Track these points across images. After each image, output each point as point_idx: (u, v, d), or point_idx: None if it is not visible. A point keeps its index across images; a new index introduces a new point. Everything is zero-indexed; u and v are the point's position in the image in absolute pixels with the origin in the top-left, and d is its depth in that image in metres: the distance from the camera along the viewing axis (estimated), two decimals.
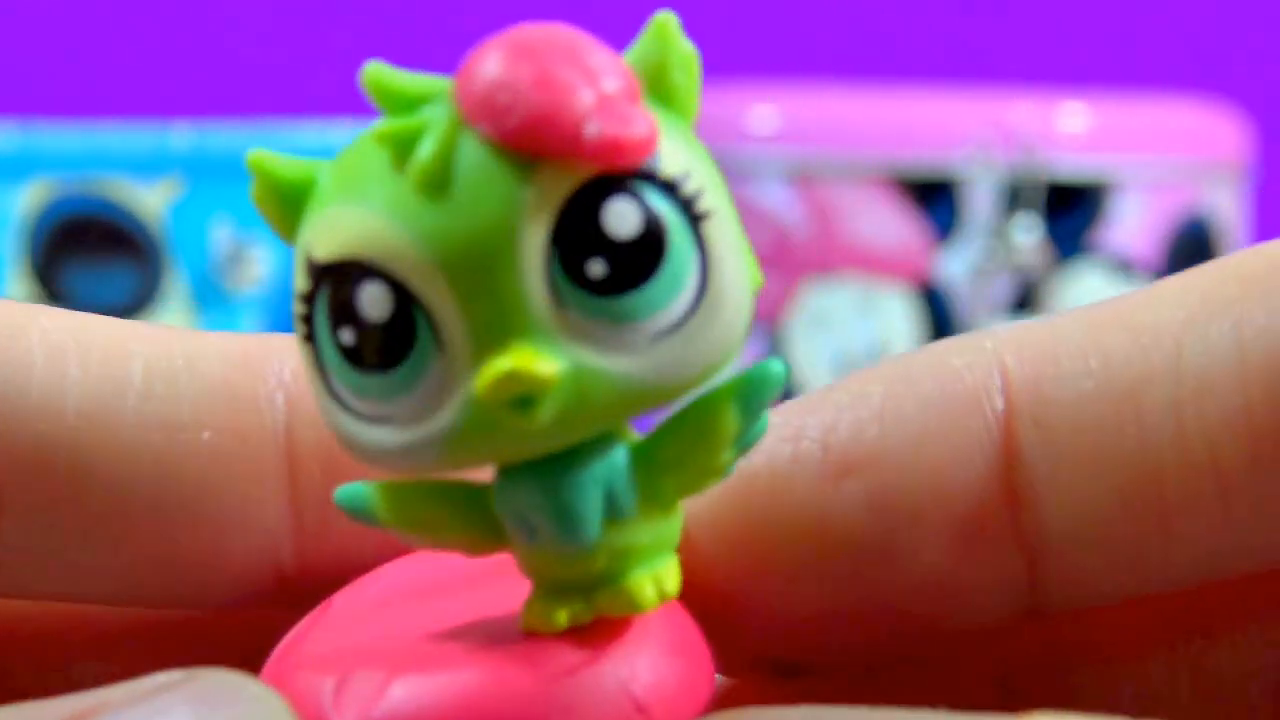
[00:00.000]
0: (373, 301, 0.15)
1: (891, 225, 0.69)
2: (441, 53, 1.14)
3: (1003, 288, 0.69)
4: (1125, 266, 0.71)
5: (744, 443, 0.17)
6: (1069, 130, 0.70)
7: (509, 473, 0.16)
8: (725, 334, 0.16)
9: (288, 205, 0.17)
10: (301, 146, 0.57)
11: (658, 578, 0.17)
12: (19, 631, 0.21)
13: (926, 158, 0.69)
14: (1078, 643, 0.21)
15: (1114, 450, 0.19)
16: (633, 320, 0.15)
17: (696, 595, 0.18)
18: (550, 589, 0.16)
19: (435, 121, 0.15)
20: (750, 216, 0.70)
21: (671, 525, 0.17)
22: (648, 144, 0.15)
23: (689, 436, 0.17)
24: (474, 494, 0.16)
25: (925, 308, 0.69)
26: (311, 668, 0.17)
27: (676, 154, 0.16)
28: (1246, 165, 0.74)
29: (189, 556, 0.20)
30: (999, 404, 0.19)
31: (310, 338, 0.16)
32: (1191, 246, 0.72)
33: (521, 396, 0.15)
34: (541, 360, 0.15)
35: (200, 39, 1.13)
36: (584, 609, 0.16)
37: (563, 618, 0.16)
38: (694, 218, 0.16)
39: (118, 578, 0.20)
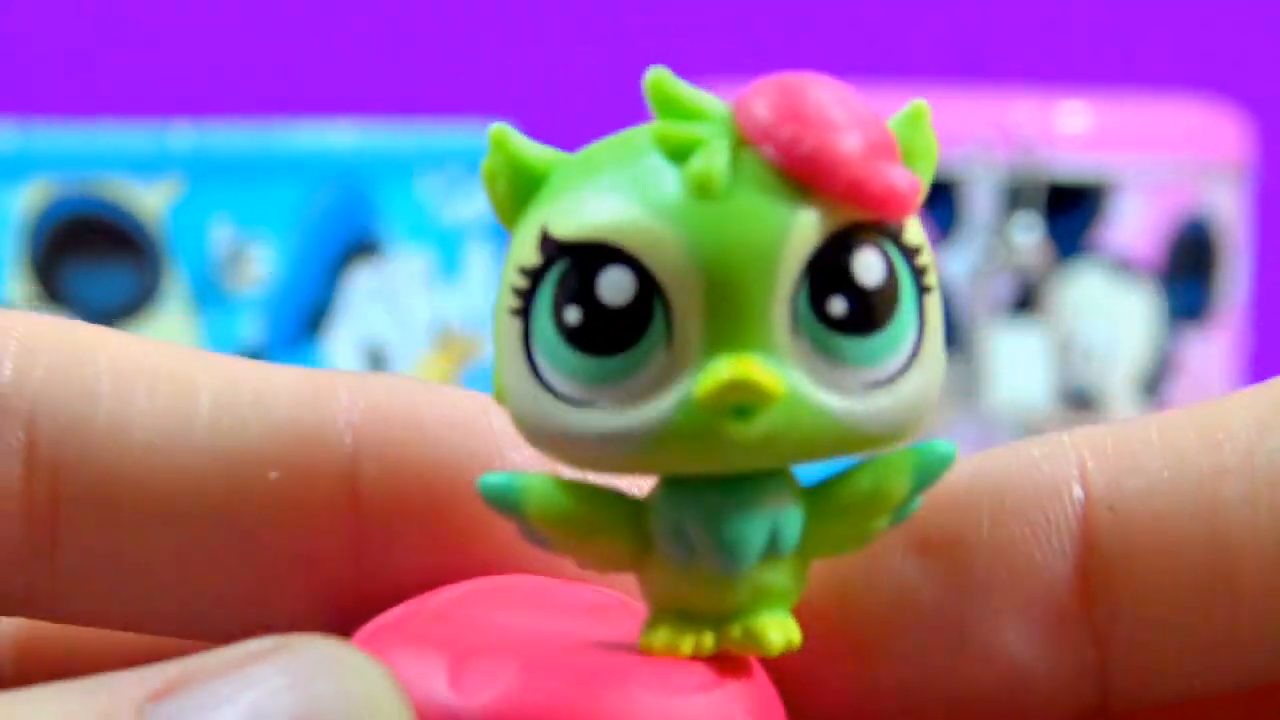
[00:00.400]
0: (615, 286, 0.16)
1: None
2: (440, 54, 1.14)
3: (1003, 287, 0.69)
4: (1125, 266, 0.71)
5: (902, 514, 0.18)
6: (1069, 130, 0.70)
7: (681, 488, 0.16)
8: (924, 401, 0.17)
9: (520, 185, 0.17)
10: (301, 147, 0.57)
11: (785, 625, 0.17)
12: (83, 653, 0.22)
13: None
14: None
15: (1189, 539, 0.19)
16: (854, 364, 0.16)
17: (776, 661, 0.18)
18: (677, 616, 0.17)
19: (718, 135, 0.16)
20: None
21: (804, 577, 0.17)
22: (913, 202, 0.16)
23: (861, 494, 0.17)
24: (629, 504, 0.17)
25: None
26: (411, 647, 0.16)
27: (916, 226, 0.17)
28: (1247, 165, 0.73)
29: (248, 593, 0.20)
30: (1077, 492, 0.19)
31: (523, 312, 0.16)
32: (1192, 246, 0.72)
33: (741, 405, 0.16)
34: (767, 375, 0.16)
35: (200, 41, 1.13)
36: (710, 640, 0.17)
37: (689, 644, 0.17)
38: (922, 287, 0.17)
39: (178, 610, 0.20)
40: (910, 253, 0.17)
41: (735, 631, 0.17)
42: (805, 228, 0.16)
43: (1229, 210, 0.73)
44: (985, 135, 0.69)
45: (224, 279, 0.56)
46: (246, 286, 0.56)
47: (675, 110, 0.17)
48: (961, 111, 0.69)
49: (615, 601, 0.18)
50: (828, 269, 0.16)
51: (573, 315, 0.16)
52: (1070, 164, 0.70)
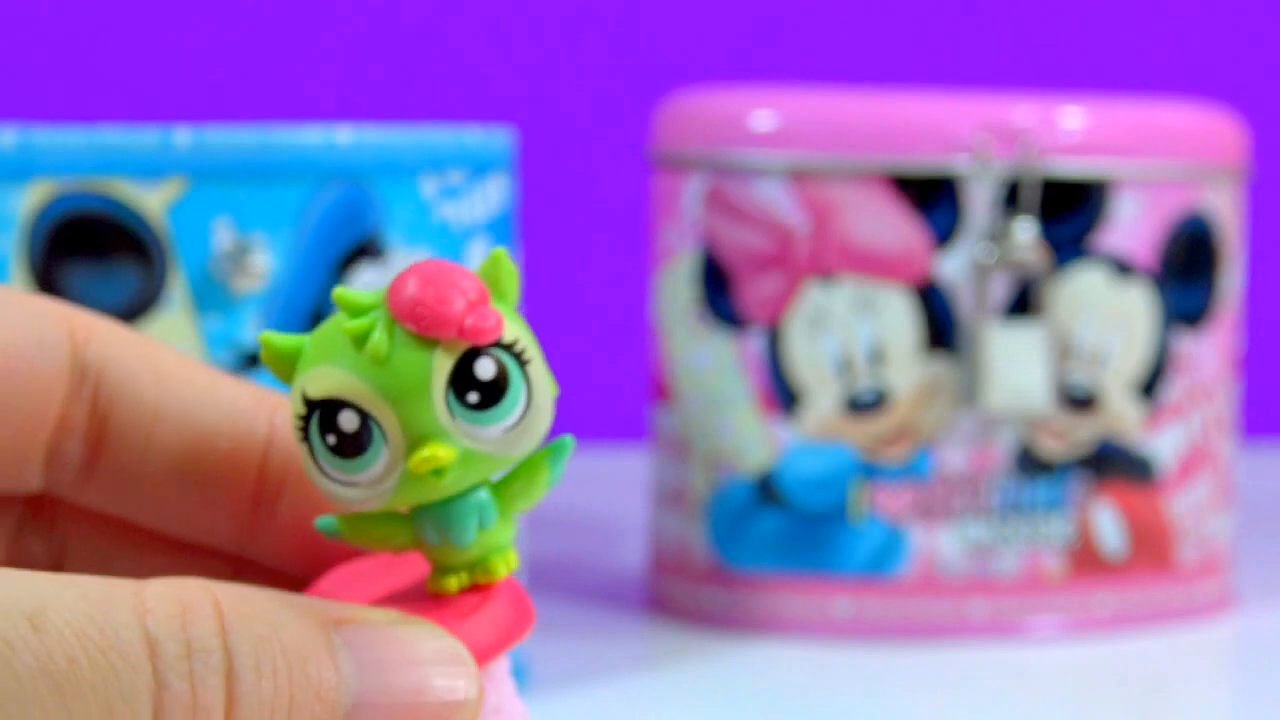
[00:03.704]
0: (348, 420, 0.28)
1: (891, 226, 0.69)
2: (439, 55, 1.15)
3: (1002, 288, 0.70)
4: (1124, 267, 0.71)
5: (552, 481, 0.29)
6: (1068, 132, 0.70)
7: (425, 507, 0.29)
8: (540, 426, 0.28)
9: (285, 363, 0.29)
10: (303, 148, 0.57)
11: (506, 560, 0.30)
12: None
13: (927, 158, 0.69)
14: None
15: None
16: (494, 423, 0.28)
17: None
18: (444, 570, 0.30)
19: (378, 322, 0.27)
20: (750, 216, 0.70)
21: (510, 530, 0.29)
22: (497, 330, 0.28)
23: (524, 481, 0.29)
24: (401, 519, 0.29)
25: (925, 308, 0.69)
26: (325, 592, 0.31)
27: (511, 328, 0.28)
28: (1244, 168, 0.74)
29: (202, 513, 0.32)
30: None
31: (306, 439, 0.28)
32: (1190, 248, 0.72)
33: (434, 467, 0.28)
34: (444, 450, 0.28)
35: (202, 44, 1.13)
36: (466, 579, 0.30)
37: (453, 584, 0.30)
38: (522, 363, 0.28)
39: (169, 518, 0.32)
40: (508, 347, 0.28)
41: (478, 572, 0.29)
42: (440, 361, 0.27)
43: (1226, 212, 0.73)
44: (985, 136, 0.69)
45: (226, 280, 0.56)
46: (248, 287, 0.56)
47: (351, 308, 0.28)
48: (961, 112, 0.69)
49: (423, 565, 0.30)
50: (462, 378, 0.27)
51: (331, 440, 0.28)
52: (1069, 165, 0.70)
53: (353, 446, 0.28)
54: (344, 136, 0.58)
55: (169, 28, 1.12)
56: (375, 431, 0.28)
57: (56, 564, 0.31)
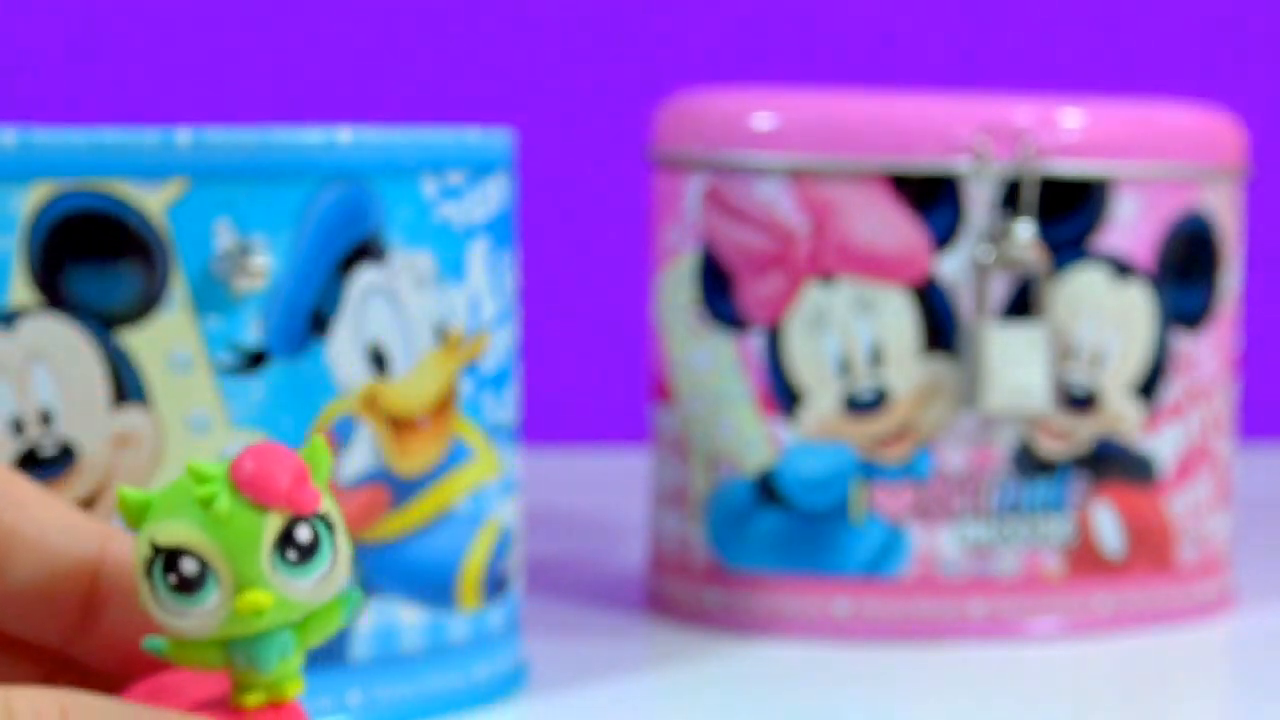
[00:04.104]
0: (188, 566, 0.34)
1: (891, 226, 0.69)
2: (440, 56, 1.14)
3: (1001, 288, 0.70)
4: (1123, 268, 0.71)
5: (342, 624, 0.36)
6: (1067, 133, 0.70)
7: (240, 639, 0.35)
8: (340, 580, 0.35)
9: (135, 513, 0.35)
10: (304, 148, 0.57)
11: (297, 684, 0.36)
12: None
13: (926, 159, 0.69)
14: None
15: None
16: (305, 577, 0.34)
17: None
18: (246, 688, 0.36)
19: (222, 489, 0.34)
20: (750, 216, 0.70)
21: (301, 660, 0.36)
22: (315, 503, 0.34)
23: (320, 622, 0.35)
24: (215, 645, 0.35)
25: (925, 308, 0.69)
26: (143, 699, 0.37)
27: (325, 501, 0.35)
28: (1243, 169, 0.74)
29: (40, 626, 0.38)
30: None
31: (149, 575, 0.34)
32: (1189, 248, 0.72)
33: (255, 611, 0.34)
34: (265, 596, 0.34)
35: (203, 47, 1.13)
36: (263, 696, 0.36)
37: (252, 701, 0.36)
38: (330, 529, 0.35)
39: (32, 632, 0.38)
40: (322, 517, 0.34)
41: (274, 692, 0.36)
42: (270, 524, 0.34)
43: (1225, 213, 0.73)
44: (984, 137, 0.69)
45: (226, 280, 0.56)
46: (249, 287, 0.56)
47: (200, 477, 0.34)
48: (961, 113, 0.69)
49: (224, 683, 0.36)
50: (285, 539, 0.34)
51: (172, 579, 0.34)
52: (1069, 166, 0.70)
53: (190, 587, 0.34)
54: (344, 137, 0.58)
55: (170, 31, 1.12)
56: (210, 576, 0.34)
57: None
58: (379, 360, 0.59)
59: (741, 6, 1.15)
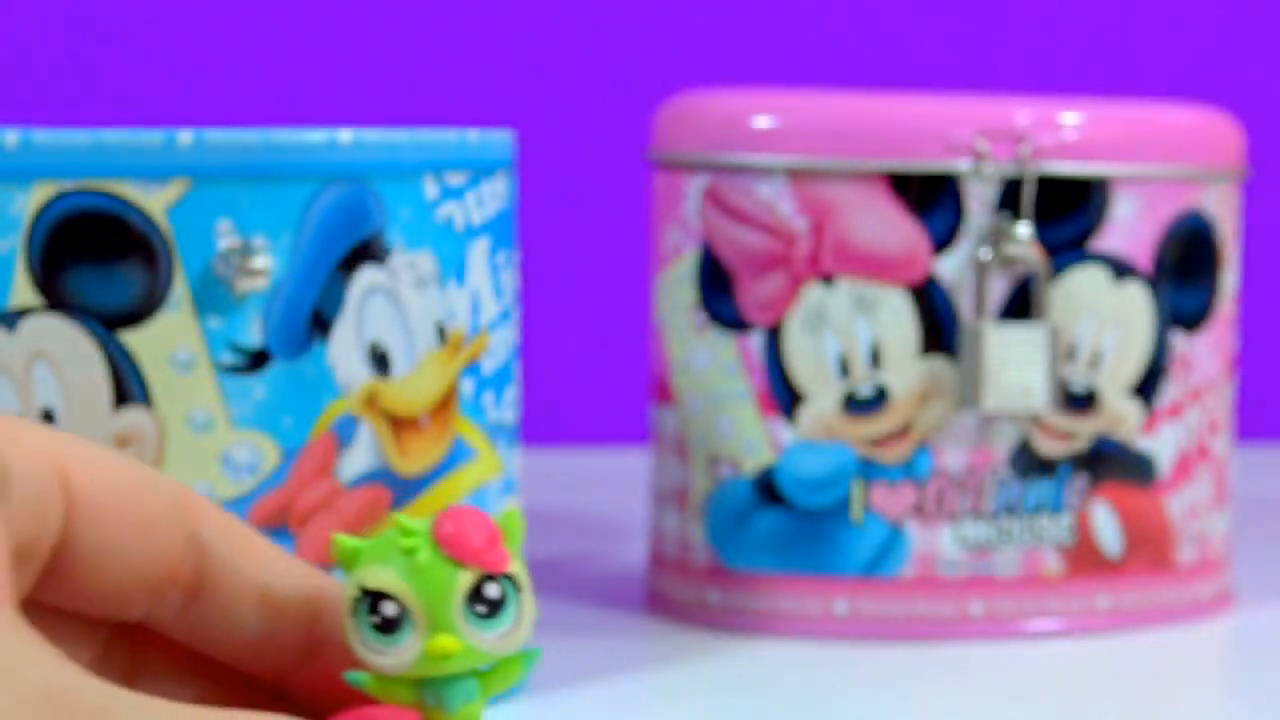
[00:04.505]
0: (390, 608, 0.37)
1: (891, 227, 0.69)
2: (441, 58, 1.14)
3: (1001, 288, 0.70)
4: (1122, 269, 0.71)
5: (521, 679, 0.39)
6: (1067, 134, 0.70)
7: (430, 679, 0.38)
8: (523, 636, 0.38)
9: (348, 557, 0.38)
10: (305, 149, 0.58)
11: None
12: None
13: (926, 160, 0.69)
14: None
15: None
16: (491, 630, 0.38)
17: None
18: None
19: (424, 543, 0.38)
20: (750, 217, 0.70)
21: (483, 706, 0.39)
22: (505, 564, 0.38)
23: (502, 674, 0.39)
24: (409, 683, 0.38)
25: (924, 309, 0.69)
26: None
27: (514, 564, 0.38)
28: (1241, 170, 0.74)
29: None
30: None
31: (355, 615, 0.38)
32: (1187, 249, 0.72)
33: (443, 654, 0.37)
34: (454, 643, 0.37)
35: (205, 50, 1.13)
36: None
37: None
38: (517, 590, 0.38)
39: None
40: (510, 577, 0.38)
41: None
42: (464, 579, 0.37)
43: (1223, 214, 0.73)
44: (984, 138, 0.69)
45: (228, 280, 0.56)
46: (250, 288, 0.56)
47: (405, 531, 0.38)
48: (961, 114, 0.69)
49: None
50: (476, 594, 0.37)
51: (375, 619, 0.37)
52: (1068, 167, 0.70)
53: (390, 627, 0.38)
54: (345, 138, 0.58)
55: (172, 35, 1.13)
56: (407, 620, 0.38)
57: (127, 674, 0.41)
58: (380, 360, 0.59)
59: (741, 8, 1.15)
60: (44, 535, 0.39)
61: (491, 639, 0.38)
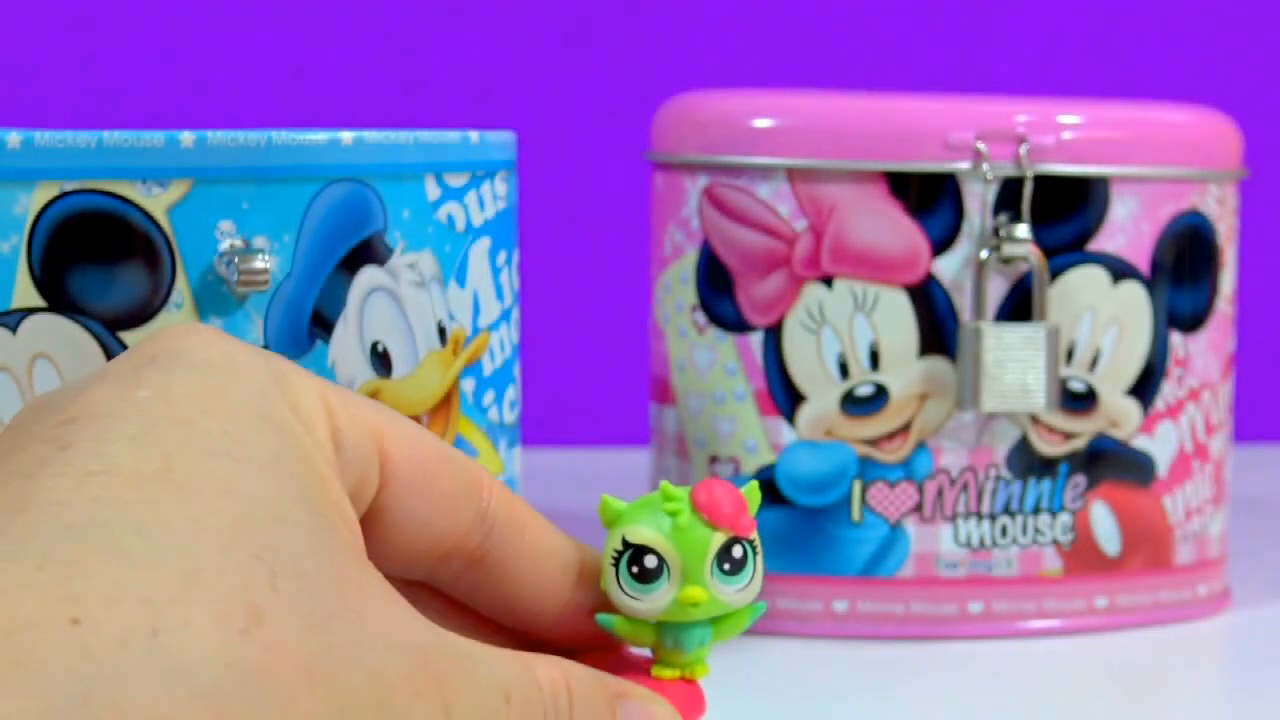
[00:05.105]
0: (650, 561, 0.44)
1: (890, 227, 0.69)
2: (442, 60, 1.14)
3: (1000, 289, 0.70)
4: (1120, 269, 0.71)
5: (746, 627, 0.45)
6: (1065, 135, 0.70)
7: (672, 623, 0.44)
8: (756, 591, 0.44)
9: (612, 515, 0.45)
10: (307, 150, 0.58)
11: (705, 668, 0.45)
12: None
13: (925, 161, 0.69)
14: None
15: None
16: (732, 585, 0.44)
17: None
18: (666, 664, 0.45)
19: (685, 507, 0.44)
20: (750, 217, 0.70)
21: (709, 651, 0.45)
22: (750, 530, 0.44)
23: (732, 622, 0.45)
24: (650, 626, 0.45)
25: (923, 309, 0.70)
26: None
27: (754, 531, 0.44)
28: (1239, 171, 0.74)
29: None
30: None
31: (616, 565, 0.44)
32: (1186, 250, 0.72)
33: (693, 602, 0.43)
34: (702, 593, 0.43)
35: (206, 52, 1.13)
36: (678, 673, 0.45)
37: (668, 675, 0.45)
38: (755, 552, 0.44)
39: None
40: (751, 542, 0.44)
41: (688, 670, 0.45)
42: (716, 539, 0.44)
43: (1222, 215, 0.73)
44: (983, 139, 0.69)
45: (229, 281, 0.57)
46: (252, 289, 0.56)
47: (669, 497, 0.44)
48: (960, 114, 0.70)
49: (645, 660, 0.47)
50: (724, 553, 0.44)
51: (635, 570, 0.44)
52: (1067, 168, 0.70)
53: (648, 577, 0.44)
54: (347, 139, 0.58)
55: (173, 35, 1.13)
56: (665, 571, 0.44)
57: None
58: (381, 360, 0.59)
59: (741, 9, 1.15)
60: (361, 498, 0.41)
61: (732, 592, 0.44)
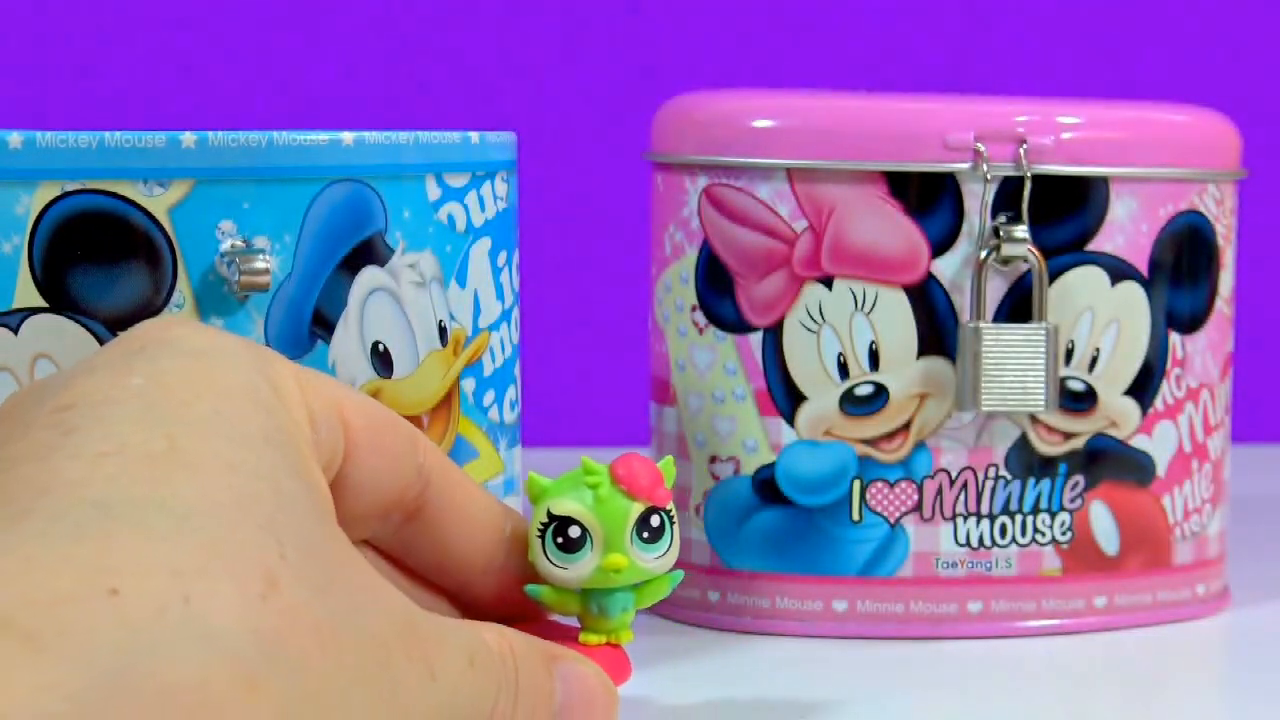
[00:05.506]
0: (574, 531, 0.48)
1: (890, 228, 0.69)
2: (442, 61, 1.14)
3: (999, 289, 0.70)
4: (1120, 269, 0.71)
5: (666, 594, 0.50)
6: (1064, 135, 0.70)
7: (596, 591, 0.49)
8: (673, 558, 0.49)
9: (538, 492, 0.49)
10: (307, 150, 0.58)
11: (628, 633, 0.50)
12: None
13: (925, 161, 0.69)
14: None
15: None
16: (651, 553, 0.49)
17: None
18: (593, 631, 0.50)
19: (604, 479, 0.49)
20: (750, 218, 0.70)
21: (633, 614, 0.50)
22: (666, 500, 0.49)
23: (653, 588, 0.50)
24: (575, 595, 0.49)
25: (923, 309, 0.70)
26: None
27: (670, 498, 0.49)
28: (1239, 171, 0.74)
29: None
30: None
31: (541, 536, 0.48)
32: (1185, 250, 0.72)
33: (615, 569, 0.48)
34: (623, 560, 0.48)
35: (207, 53, 1.13)
36: (604, 639, 0.50)
37: (594, 640, 0.50)
38: (672, 521, 0.49)
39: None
40: (668, 512, 0.49)
41: (613, 636, 0.49)
42: (635, 509, 0.48)
43: (1221, 214, 0.73)
44: (982, 139, 0.69)
45: (230, 282, 0.57)
46: (253, 289, 0.57)
47: (590, 470, 0.48)
48: (960, 114, 0.70)
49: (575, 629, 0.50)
50: (642, 522, 0.48)
51: (559, 540, 0.48)
52: (1067, 168, 0.70)
53: (572, 547, 0.48)
54: (348, 140, 0.58)
55: (175, 36, 1.13)
56: (588, 541, 0.48)
57: None
58: (382, 360, 0.59)
59: (741, 9, 1.15)
60: (330, 469, 0.44)
61: (651, 559, 0.48)
